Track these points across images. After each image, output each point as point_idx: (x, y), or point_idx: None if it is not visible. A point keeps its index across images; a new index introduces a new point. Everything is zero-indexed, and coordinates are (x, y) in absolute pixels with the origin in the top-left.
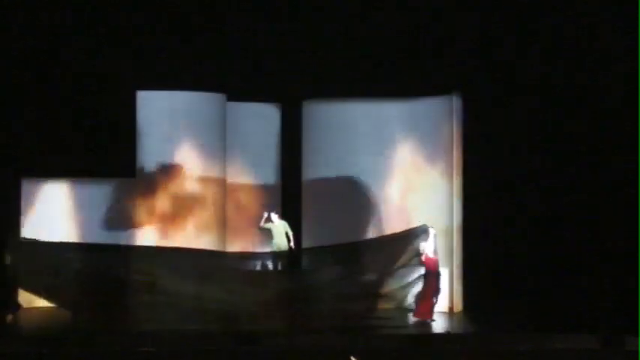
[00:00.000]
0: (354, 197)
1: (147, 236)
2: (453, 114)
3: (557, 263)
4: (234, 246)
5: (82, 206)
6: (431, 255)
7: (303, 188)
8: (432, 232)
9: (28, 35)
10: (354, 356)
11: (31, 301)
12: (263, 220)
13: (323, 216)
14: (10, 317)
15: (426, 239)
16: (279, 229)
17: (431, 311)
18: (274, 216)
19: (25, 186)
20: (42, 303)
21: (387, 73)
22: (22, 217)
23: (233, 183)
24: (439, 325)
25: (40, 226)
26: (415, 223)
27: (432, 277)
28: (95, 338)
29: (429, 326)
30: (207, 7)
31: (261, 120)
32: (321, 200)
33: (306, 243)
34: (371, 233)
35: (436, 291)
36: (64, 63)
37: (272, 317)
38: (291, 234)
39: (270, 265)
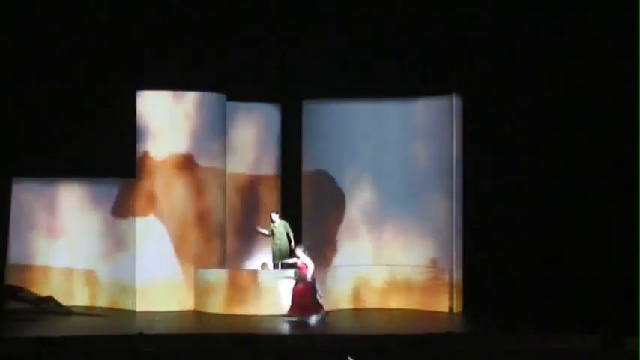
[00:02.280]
0: (354, 197)
1: (147, 234)
2: (453, 114)
3: (557, 263)
4: (234, 244)
5: (82, 206)
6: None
7: (303, 188)
8: (300, 248)
9: (27, 35)
10: (351, 357)
11: None
12: (261, 230)
13: (323, 216)
14: None
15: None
16: (280, 229)
17: (312, 307)
18: (275, 216)
19: (25, 186)
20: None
21: (387, 73)
22: (19, 219)
23: (233, 183)
24: (439, 325)
25: (40, 227)
26: (414, 222)
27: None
28: (95, 338)
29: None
30: (207, 8)
31: (261, 120)
32: (321, 200)
33: (306, 242)
34: (371, 232)
35: (309, 291)
36: (64, 63)
37: None
38: (291, 234)
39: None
